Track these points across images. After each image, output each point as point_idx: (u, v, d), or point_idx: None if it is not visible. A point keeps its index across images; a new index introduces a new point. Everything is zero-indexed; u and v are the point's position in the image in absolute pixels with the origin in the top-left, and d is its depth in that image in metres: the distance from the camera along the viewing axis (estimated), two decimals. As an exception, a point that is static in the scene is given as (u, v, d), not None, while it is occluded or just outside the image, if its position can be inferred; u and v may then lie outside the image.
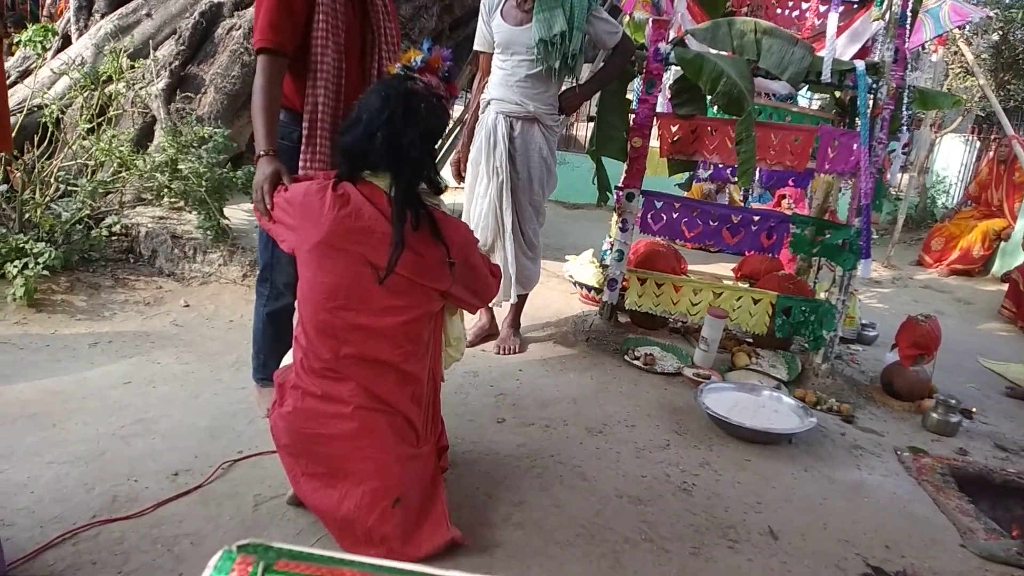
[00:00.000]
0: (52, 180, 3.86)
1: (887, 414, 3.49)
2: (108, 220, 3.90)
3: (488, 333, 3.68)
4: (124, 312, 3.50)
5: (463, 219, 3.53)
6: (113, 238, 3.95)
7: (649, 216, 3.81)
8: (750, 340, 4.02)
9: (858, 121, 3.52)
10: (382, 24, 2.45)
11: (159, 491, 2.13)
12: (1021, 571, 2.26)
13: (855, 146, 3.51)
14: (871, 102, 3.51)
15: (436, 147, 2.05)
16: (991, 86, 8.04)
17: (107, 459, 2.27)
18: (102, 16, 4.95)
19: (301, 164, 2.34)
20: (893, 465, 2.92)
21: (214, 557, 0.53)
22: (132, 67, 4.50)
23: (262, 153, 2.22)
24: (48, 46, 5.15)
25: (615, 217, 4.12)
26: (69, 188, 3.93)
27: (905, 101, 3.51)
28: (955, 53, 8.79)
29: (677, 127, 3.79)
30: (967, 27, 8.15)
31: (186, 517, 2.03)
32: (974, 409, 3.66)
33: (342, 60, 2.34)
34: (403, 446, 1.97)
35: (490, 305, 3.65)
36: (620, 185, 3.83)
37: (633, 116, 3.80)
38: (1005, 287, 6.24)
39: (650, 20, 3.68)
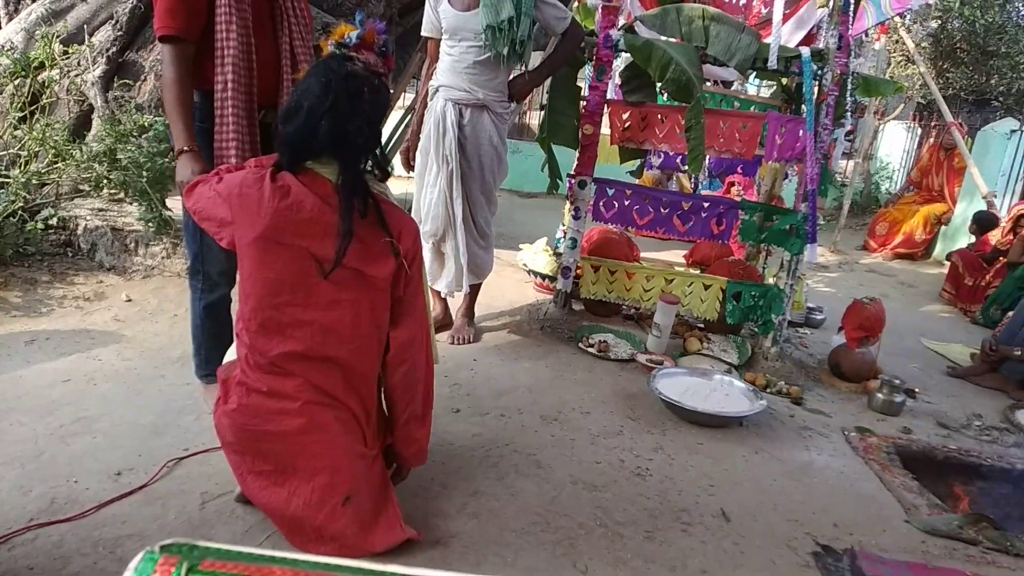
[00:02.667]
0: (-18, 171, 3.70)
1: (834, 395, 3.57)
2: (44, 213, 3.76)
3: (442, 323, 3.64)
4: (62, 308, 3.38)
5: (414, 208, 3.48)
6: (50, 231, 3.80)
7: (601, 204, 3.82)
8: (701, 325, 4.07)
9: (804, 108, 3.57)
10: (293, 7, 2.40)
11: (101, 492, 2.06)
12: (962, 544, 2.33)
13: (801, 132, 3.56)
14: (816, 88, 3.56)
15: (381, 128, 2.00)
16: (931, 74, 8.26)
17: (45, 460, 2.19)
18: (33, 0, 4.74)
19: (215, 145, 2.29)
20: (840, 445, 2.99)
21: (135, 559, 0.50)
22: (66, 53, 4.33)
23: (184, 149, 2.19)
24: (-25, 31, 4.92)
25: (568, 205, 4.12)
26: (1, 180, 3.77)
27: (849, 87, 3.58)
28: (896, 41, 9.02)
29: (628, 114, 3.80)
30: (907, 15, 8.36)
31: (129, 518, 1.97)
32: (917, 389, 3.76)
33: (250, 37, 2.28)
34: (353, 442, 1.93)
35: (443, 295, 3.63)
36: (572, 173, 3.83)
37: (584, 103, 3.80)
38: (946, 270, 6.43)
39: (600, 6, 3.67)
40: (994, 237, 6.19)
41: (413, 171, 3.50)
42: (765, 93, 7.00)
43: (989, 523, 2.40)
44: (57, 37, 4.25)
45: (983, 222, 6.47)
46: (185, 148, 2.20)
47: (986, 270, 5.83)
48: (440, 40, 3.31)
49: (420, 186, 3.43)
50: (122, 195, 3.98)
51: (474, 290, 3.60)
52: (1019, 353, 3.92)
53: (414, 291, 2.02)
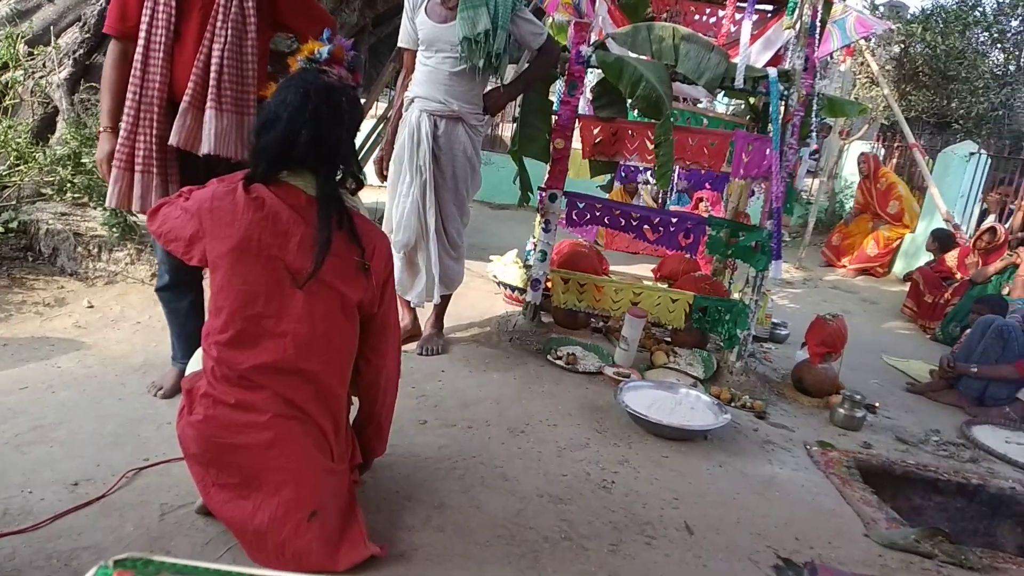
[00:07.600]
0: (-59, 172, 3.61)
1: (797, 410, 3.62)
2: (4, 216, 3.67)
3: (411, 334, 3.63)
4: (21, 314, 3.30)
5: (385, 217, 3.47)
6: (10, 235, 3.72)
7: (573, 215, 3.84)
8: (668, 339, 4.10)
9: (770, 127, 3.64)
10: (223, 9, 2.48)
11: (56, 502, 2.01)
12: (918, 557, 2.37)
13: (767, 151, 3.63)
14: (783, 108, 3.63)
15: (355, 139, 2.02)
16: (894, 96, 8.48)
17: (-2, 470, 2.13)
18: (-2, -1, 4.65)
19: None
20: (802, 459, 3.03)
21: (87, 574, 0.50)
22: (31, 54, 4.25)
23: (102, 128, 2.54)
24: (-63, 29, 4.81)
25: (539, 218, 4.14)
26: (-40, 181, 3.69)
27: (814, 108, 3.65)
28: (862, 64, 9.24)
29: (598, 129, 3.84)
30: (872, 39, 8.58)
31: (85, 529, 1.92)
32: (877, 404, 3.84)
33: (154, 44, 2.46)
34: (321, 457, 1.91)
35: (413, 305, 3.61)
36: (543, 186, 3.85)
37: (555, 118, 3.83)
38: (907, 287, 6.58)
39: (572, 22, 3.71)
40: (951, 259, 6.35)
41: (386, 181, 3.50)
42: (723, 110, 7.11)
43: (945, 537, 2.45)
44: (22, 38, 4.18)
45: (942, 240, 6.63)
46: (104, 128, 2.52)
47: (945, 288, 5.97)
48: (416, 51, 3.32)
49: (392, 196, 3.43)
50: (86, 200, 3.91)
51: (444, 301, 3.59)
52: (975, 371, 4.01)
53: (386, 312, 2.02)
